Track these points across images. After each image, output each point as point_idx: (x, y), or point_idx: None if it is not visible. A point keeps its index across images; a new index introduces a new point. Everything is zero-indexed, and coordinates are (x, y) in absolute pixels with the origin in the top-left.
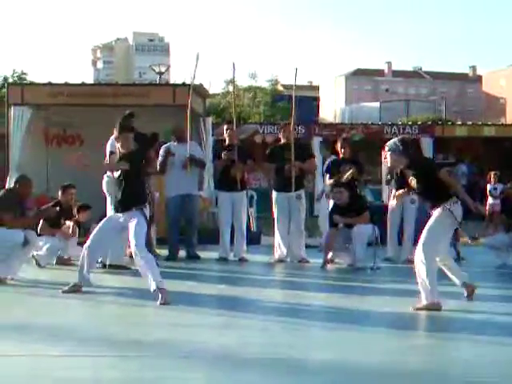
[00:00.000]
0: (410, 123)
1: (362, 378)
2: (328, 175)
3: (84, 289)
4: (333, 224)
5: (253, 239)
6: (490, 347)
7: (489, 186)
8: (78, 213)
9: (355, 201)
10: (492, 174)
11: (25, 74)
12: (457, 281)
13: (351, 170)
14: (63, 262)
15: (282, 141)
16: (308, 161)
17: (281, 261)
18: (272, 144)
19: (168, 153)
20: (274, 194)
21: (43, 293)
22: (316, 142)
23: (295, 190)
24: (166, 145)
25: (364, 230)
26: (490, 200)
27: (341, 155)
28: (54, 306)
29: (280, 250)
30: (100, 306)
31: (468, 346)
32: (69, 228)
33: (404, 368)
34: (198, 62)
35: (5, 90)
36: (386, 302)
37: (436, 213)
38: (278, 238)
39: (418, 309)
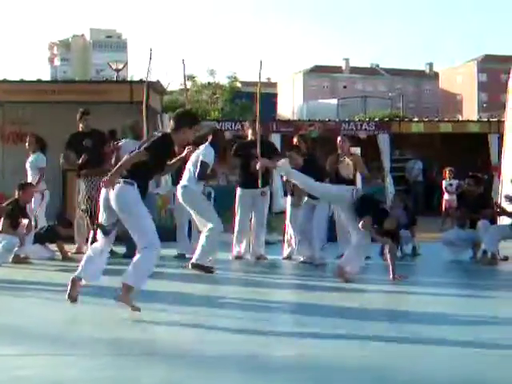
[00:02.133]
0: (367, 120)
1: (328, 374)
2: None
3: (42, 287)
4: None
5: None
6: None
7: (444, 183)
8: (19, 192)
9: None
10: (447, 170)
11: None
12: None
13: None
14: (20, 260)
15: (250, 137)
16: (275, 158)
17: (239, 257)
18: (237, 140)
19: (117, 149)
20: (239, 190)
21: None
22: (275, 138)
23: (261, 187)
24: (121, 142)
25: None
26: (446, 196)
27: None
28: (11, 305)
29: (239, 246)
30: (58, 305)
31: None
32: (24, 226)
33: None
34: (151, 58)
35: None
36: (342, 297)
37: None
38: (237, 235)
39: None
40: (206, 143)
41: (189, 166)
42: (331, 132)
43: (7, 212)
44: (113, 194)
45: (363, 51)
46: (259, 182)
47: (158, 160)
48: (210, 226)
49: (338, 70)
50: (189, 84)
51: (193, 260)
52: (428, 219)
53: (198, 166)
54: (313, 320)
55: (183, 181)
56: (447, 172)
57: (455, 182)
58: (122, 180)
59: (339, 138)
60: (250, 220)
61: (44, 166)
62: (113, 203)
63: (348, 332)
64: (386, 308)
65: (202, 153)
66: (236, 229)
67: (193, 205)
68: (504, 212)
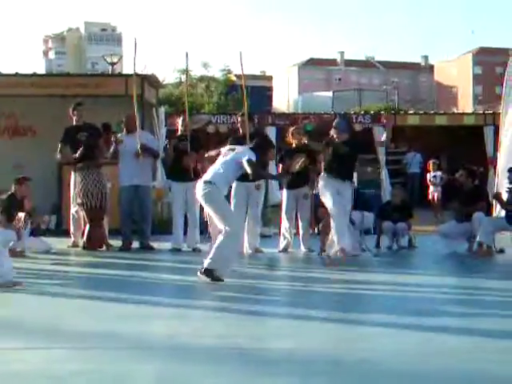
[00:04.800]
0: (362, 112)
1: (319, 366)
2: (281, 165)
3: (38, 281)
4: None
5: (206, 229)
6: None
7: (428, 175)
8: (15, 186)
9: None
10: (431, 162)
11: None
12: None
13: (302, 159)
14: (16, 254)
15: (241, 131)
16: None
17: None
18: (229, 134)
19: (116, 141)
20: (234, 183)
21: None
22: (271, 131)
23: (255, 180)
24: (117, 135)
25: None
26: (430, 188)
27: (293, 145)
28: (8, 299)
29: None
30: (54, 299)
31: (415, 332)
32: (20, 220)
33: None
34: (136, 49)
35: None
36: (343, 289)
37: None
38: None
39: None
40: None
41: (220, 164)
42: (326, 125)
43: (3, 206)
44: None
45: (358, 44)
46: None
47: None
48: (228, 229)
49: (332, 62)
50: (184, 77)
51: (205, 264)
52: (424, 212)
53: (248, 166)
54: (309, 312)
55: (209, 177)
56: (431, 164)
57: (439, 174)
58: None
59: (332, 130)
60: (246, 213)
61: None
62: None
63: (345, 324)
64: (384, 300)
65: (245, 153)
66: None
67: (213, 204)
68: (500, 200)
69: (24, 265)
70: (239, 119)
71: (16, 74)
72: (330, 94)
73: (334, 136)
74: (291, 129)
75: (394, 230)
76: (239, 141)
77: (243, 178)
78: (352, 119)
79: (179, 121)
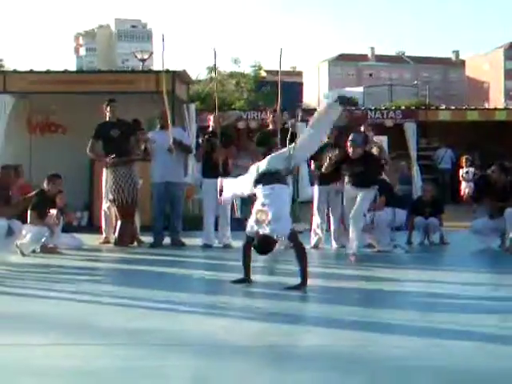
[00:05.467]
0: (393, 108)
1: (355, 365)
2: (312, 161)
3: (70, 276)
4: None
5: (237, 226)
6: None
7: (461, 171)
8: (47, 183)
9: None
10: (464, 158)
11: (0, 60)
12: None
13: (334, 155)
14: (48, 250)
15: (271, 126)
16: None
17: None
18: (259, 130)
19: (147, 140)
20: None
21: (27, 282)
22: (301, 127)
23: None
24: (150, 132)
25: (378, 217)
26: (463, 184)
27: (325, 140)
28: (40, 295)
29: None
30: (86, 294)
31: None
32: (52, 217)
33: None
34: (164, 45)
35: None
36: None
37: None
38: None
39: None
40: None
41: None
42: (358, 120)
43: (34, 203)
44: None
45: (389, 39)
46: None
47: None
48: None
49: (363, 58)
50: (214, 74)
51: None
52: (456, 208)
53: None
54: (340, 309)
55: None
56: (464, 160)
57: (471, 170)
58: None
59: (362, 127)
60: None
61: None
62: None
63: (376, 321)
64: (416, 297)
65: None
66: None
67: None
68: None
69: (56, 261)
70: (268, 113)
71: (47, 71)
72: (361, 89)
73: (350, 151)
74: None
75: (425, 225)
76: (266, 136)
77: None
78: (383, 114)
79: (211, 117)
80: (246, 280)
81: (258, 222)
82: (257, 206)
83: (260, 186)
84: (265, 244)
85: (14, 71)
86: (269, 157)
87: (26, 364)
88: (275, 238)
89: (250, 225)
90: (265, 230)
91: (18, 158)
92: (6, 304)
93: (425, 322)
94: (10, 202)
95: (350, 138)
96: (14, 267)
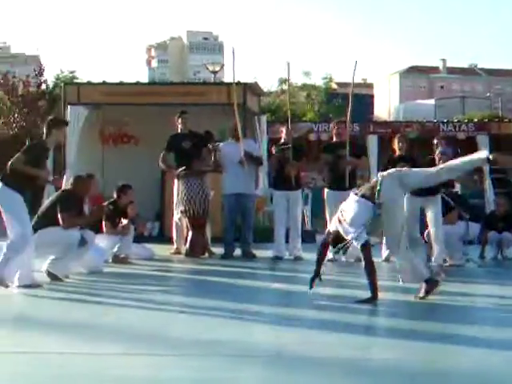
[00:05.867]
0: (466, 120)
1: (427, 379)
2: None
3: (141, 287)
4: None
5: (307, 238)
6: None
7: None
8: (119, 194)
9: None
10: None
11: (73, 72)
12: None
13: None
14: (120, 260)
15: (335, 139)
16: (361, 158)
17: (334, 260)
18: (326, 142)
19: (215, 151)
20: (327, 191)
21: (99, 291)
22: (372, 140)
23: (349, 188)
24: (221, 144)
25: (451, 231)
26: None
27: (397, 153)
28: (111, 304)
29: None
30: (155, 305)
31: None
32: (123, 227)
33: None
34: (234, 58)
35: (58, 89)
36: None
37: None
38: None
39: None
40: None
41: None
42: (429, 133)
43: (107, 213)
44: None
45: (460, 51)
46: (346, 183)
47: None
48: None
49: (434, 70)
50: (285, 86)
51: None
52: None
53: None
54: (412, 323)
55: None
56: None
57: None
58: None
59: (435, 140)
60: None
61: None
62: None
63: (448, 336)
64: (489, 312)
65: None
66: None
67: None
68: None
69: (127, 271)
70: (334, 126)
71: (120, 83)
72: (433, 101)
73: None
74: (396, 136)
75: (498, 240)
76: (332, 147)
77: (337, 186)
78: (455, 127)
79: (283, 129)
80: (316, 277)
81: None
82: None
83: None
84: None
85: (88, 83)
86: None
87: (102, 373)
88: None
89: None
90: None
91: (90, 169)
92: (79, 313)
93: (499, 336)
94: (82, 212)
95: (440, 150)
96: (86, 277)
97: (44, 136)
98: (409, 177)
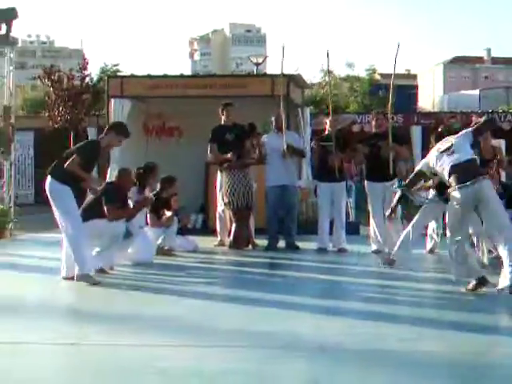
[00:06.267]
0: (510, 111)
1: (469, 371)
2: None
3: (180, 279)
4: None
5: (351, 229)
6: None
7: None
8: (163, 185)
9: None
10: None
11: (116, 65)
12: None
13: None
14: (164, 252)
15: (374, 130)
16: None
17: (378, 251)
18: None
19: (261, 144)
20: (368, 183)
21: (144, 283)
22: (416, 131)
23: (391, 179)
24: (264, 136)
25: None
26: None
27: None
28: (154, 296)
29: (377, 240)
30: (200, 296)
31: None
32: (167, 219)
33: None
34: (284, 50)
35: (102, 83)
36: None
37: None
38: (373, 229)
39: None
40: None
41: None
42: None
43: (153, 205)
44: None
45: (505, 41)
46: (390, 173)
47: None
48: None
49: (479, 60)
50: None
51: None
52: None
53: None
54: (456, 316)
55: None
56: None
57: None
58: None
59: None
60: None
61: None
62: None
63: (495, 329)
64: None
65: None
66: (373, 223)
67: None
68: None
69: (172, 263)
70: (373, 118)
71: (164, 76)
72: (477, 92)
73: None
74: (440, 127)
75: None
76: (374, 139)
77: (378, 177)
78: (500, 117)
79: (327, 121)
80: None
81: None
82: None
83: None
84: None
85: (131, 76)
86: None
87: (150, 365)
88: None
89: None
90: None
91: (134, 162)
92: (124, 305)
93: None
94: (127, 205)
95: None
96: (131, 269)
97: (101, 136)
98: None
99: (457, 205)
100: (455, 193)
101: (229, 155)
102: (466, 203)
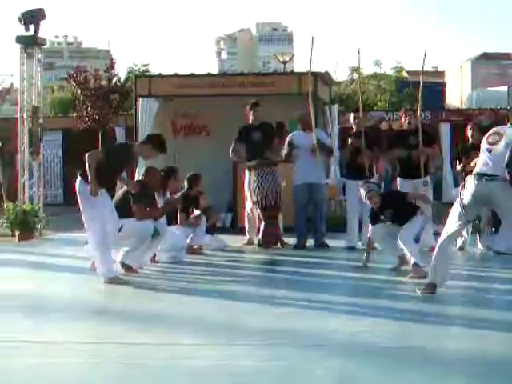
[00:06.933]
0: None
1: (496, 369)
2: (458, 161)
3: (209, 278)
4: None
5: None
6: None
7: None
8: (190, 184)
9: None
10: None
11: (146, 65)
12: None
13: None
14: (193, 251)
15: (404, 127)
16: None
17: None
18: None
19: (290, 145)
20: (400, 180)
21: (173, 282)
22: (445, 128)
23: (422, 177)
24: (291, 134)
25: None
26: None
27: (470, 141)
28: (188, 295)
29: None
30: (229, 295)
31: None
32: (196, 218)
33: None
34: (313, 47)
35: (130, 82)
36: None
37: None
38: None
39: None
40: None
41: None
42: (503, 120)
43: (182, 205)
44: None
45: None
46: (421, 171)
47: None
48: None
49: (507, 56)
50: (355, 75)
51: None
52: None
53: None
54: (484, 313)
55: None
56: None
57: None
58: None
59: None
60: None
61: None
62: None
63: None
64: None
65: None
66: None
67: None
68: None
69: (200, 261)
70: (403, 115)
71: (191, 75)
72: (506, 88)
73: None
74: (469, 124)
75: None
76: (401, 136)
77: (409, 175)
78: None
79: (351, 118)
80: None
81: None
82: None
83: None
84: None
85: (159, 75)
86: None
87: (177, 364)
88: None
89: None
90: None
91: (162, 161)
92: (153, 304)
93: None
94: (155, 204)
95: None
96: (160, 268)
97: (138, 143)
98: None
99: None
100: None
101: (248, 162)
102: None
